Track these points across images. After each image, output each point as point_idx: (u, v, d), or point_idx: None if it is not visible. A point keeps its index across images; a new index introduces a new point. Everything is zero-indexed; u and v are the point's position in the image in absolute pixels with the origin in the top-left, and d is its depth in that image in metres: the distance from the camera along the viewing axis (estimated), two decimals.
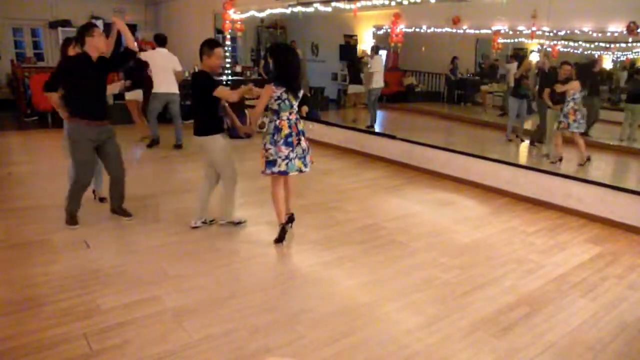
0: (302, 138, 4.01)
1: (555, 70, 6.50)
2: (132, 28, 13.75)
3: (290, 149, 3.93)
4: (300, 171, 4.03)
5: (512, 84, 8.05)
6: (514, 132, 7.36)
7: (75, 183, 4.29)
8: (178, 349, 2.64)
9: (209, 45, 4.08)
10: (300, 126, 4.03)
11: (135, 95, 7.82)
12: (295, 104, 3.98)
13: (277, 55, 3.97)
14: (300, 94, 4.01)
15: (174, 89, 7.54)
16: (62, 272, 3.47)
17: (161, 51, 7.52)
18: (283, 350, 2.68)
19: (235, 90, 4.16)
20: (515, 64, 7.87)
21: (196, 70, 10.46)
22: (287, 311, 3.08)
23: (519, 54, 8.02)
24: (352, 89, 9.19)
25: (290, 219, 4.30)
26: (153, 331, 2.80)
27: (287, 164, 3.94)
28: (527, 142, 7.21)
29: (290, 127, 3.95)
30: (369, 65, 8.58)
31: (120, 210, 4.53)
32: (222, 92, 4.04)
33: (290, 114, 3.96)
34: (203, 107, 4.14)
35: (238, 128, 4.38)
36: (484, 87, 9.05)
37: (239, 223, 4.51)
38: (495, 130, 8.25)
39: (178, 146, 7.68)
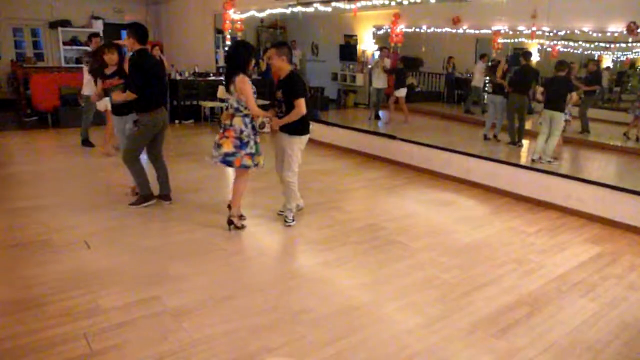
0: (220, 131, 4.21)
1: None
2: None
3: None
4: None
5: (477, 84, 8.15)
6: (492, 130, 7.55)
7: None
8: (178, 349, 2.64)
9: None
10: (228, 122, 4.17)
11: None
12: (229, 98, 4.13)
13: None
14: (231, 88, 4.07)
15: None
16: (62, 272, 3.47)
17: None
18: (283, 350, 2.68)
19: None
20: (483, 64, 7.97)
21: (196, 70, 10.60)
22: (287, 311, 3.08)
23: (486, 54, 8.12)
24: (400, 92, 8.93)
25: (228, 221, 4.42)
26: (153, 331, 2.80)
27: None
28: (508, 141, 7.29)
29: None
30: (383, 65, 8.65)
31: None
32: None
33: (226, 108, 4.22)
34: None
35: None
36: None
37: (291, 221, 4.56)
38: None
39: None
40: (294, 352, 2.66)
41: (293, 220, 4.56)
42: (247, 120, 4.12)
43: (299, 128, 4.33)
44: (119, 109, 4.94)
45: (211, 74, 10.63)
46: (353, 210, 5.11)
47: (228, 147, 4.09)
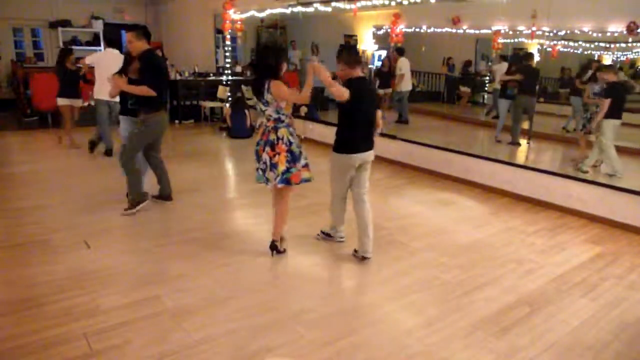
0: (268, 149, 3.66)
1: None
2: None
3: (256, 157, 3.76)
4: (267, 183, 3.78)
5: (499, 86, 8.10)
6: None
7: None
8: (178, 349, 2.64)
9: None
10: (273, 136, 3.65)
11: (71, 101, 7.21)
12: (267, 109, 3.64)
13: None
14: (268, 97, 3.60)
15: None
16: (62, 272, 3.47)
17: (112, 52, 6.56)
18: (283, 350, 2.68)
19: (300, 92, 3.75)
20: (505, 64, 7.93)
21: (196, 70, 10.58)
22: (287, 311, 3.08)
23: (507, 55, 8.07)
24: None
25: (272, 245, 3.87)
26: (153, 331, 2.80)
27: (257, 173, 3.80)
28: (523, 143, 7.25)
29: (263, 133, 3.72)
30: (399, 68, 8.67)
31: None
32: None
33: (267, 120, 3.69)
34: (346, 118, 3.96)
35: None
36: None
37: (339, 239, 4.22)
38: (494, 130, 8.24)
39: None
40: (294, 352, 2.66)
41: (343, 239, 4.21)
42: (292, 129, 3.75)
43: (336, 144, 3.86)
44: (134, 110, 4.70)
45: (211, 74, 10.63)
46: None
47: (283, 165, 3.66)
